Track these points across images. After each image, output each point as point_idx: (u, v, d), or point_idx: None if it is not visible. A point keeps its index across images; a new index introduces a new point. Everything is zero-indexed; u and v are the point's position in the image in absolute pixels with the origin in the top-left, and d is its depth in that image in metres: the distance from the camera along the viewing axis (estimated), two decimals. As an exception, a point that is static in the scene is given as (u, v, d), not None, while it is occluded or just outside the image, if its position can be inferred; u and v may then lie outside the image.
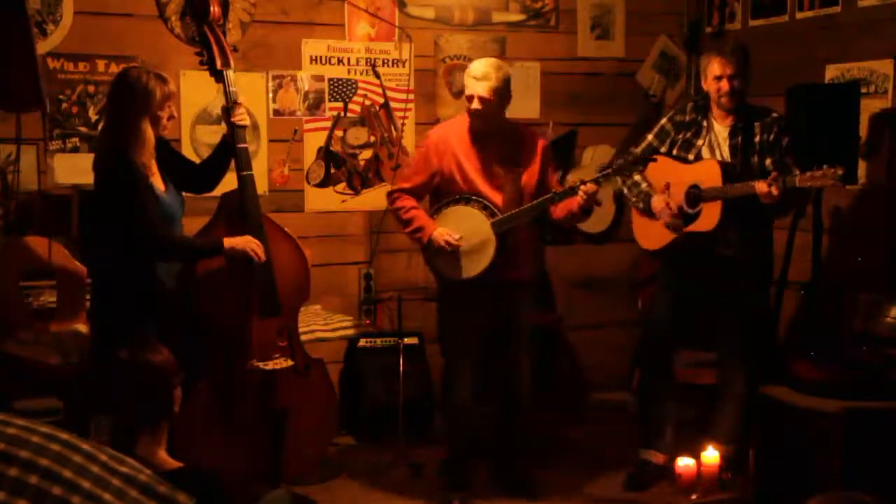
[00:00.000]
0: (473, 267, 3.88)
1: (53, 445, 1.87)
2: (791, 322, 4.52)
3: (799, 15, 4.88)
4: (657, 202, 4.03)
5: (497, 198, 3.88)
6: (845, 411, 3.41)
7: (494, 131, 3.92)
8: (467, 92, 3.87)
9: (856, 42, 4.54)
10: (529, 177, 3.95)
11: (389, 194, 4.07)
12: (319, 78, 4.97)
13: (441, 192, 3.97)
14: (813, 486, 3.43)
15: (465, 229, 3.87)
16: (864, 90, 4.35)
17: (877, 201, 4.42)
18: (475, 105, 3.85)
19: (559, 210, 3.92)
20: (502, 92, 3.87)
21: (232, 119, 3.66)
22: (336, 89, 5.00)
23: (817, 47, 4.74)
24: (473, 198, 3.88)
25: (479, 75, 3.84)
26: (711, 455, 4.01)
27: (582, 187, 3.74)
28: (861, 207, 4.50)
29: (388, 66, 5.07)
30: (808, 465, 3.52)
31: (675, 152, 4.06)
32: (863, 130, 4.31)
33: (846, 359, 3.90)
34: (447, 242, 3.85)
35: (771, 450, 3.68)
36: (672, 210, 3.96)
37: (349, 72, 5.01)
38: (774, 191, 3.62)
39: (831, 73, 4.65)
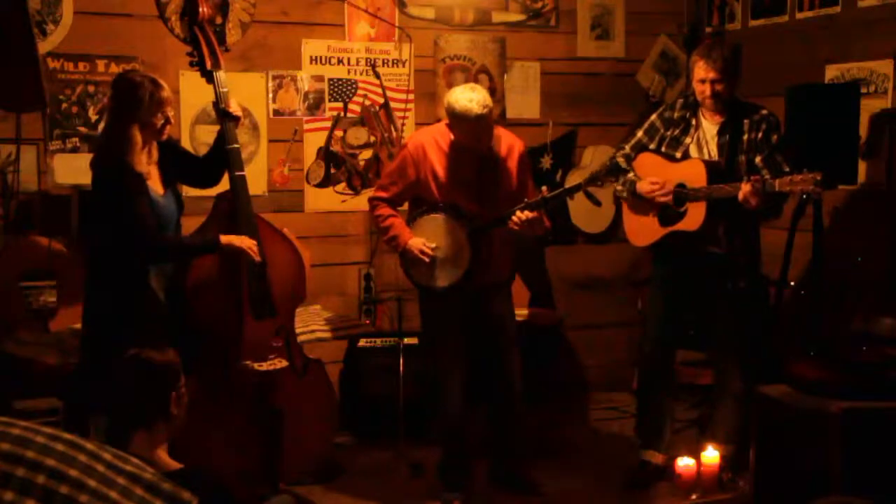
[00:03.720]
0: (448, 276, 3.89)
1: (58, 445, 1.88)
2: (791, 322, 4.52)
3: (799, 15, 4.89)
4: (644, 185, 4.02)
5: (473, 207, 3.88)
6: (845, 411, 3.40)
7: None
8: (465, 132, 3.80)
9: (856, 42, 4.54)
10: (507, 184, 3.94)
11: (369, 201, 4.08)
12: (319, 78, 4.97)
13: (419, 199, 3.98)
14: (813, 486, 3.43)
15: (440, 238, 3.88)
16: (864, 90, 4.35)
17: (877, 201, 4.42)
18: (475, 143, 3.83)
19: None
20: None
21: (224, 107, 3.66)
22: (336, 89, 5.00)
23: (817, 47, 4.74)
24: (449, 207, 3.88)
25: (477, 116, 3.75)
26: (711, 455, 4.01)
27: (517, 214, 3.74)
28: (861, 207, 4.50)
29: (388, 66, 5.07)
30: (808, 465, 3.51)
31: (663, 149, 4.07)
32: (863, 130, 4.31)
33: (846, 359, 3.90)
34: (421, 252, 3.86)
35: (771, 450, 3.68)
36: (660, 188, 3.95)
37: (349, 72, 5.01)
38: (752, 199, 3.65)
39: (831, 73, 4.65)
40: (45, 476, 1.80)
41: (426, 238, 3.89)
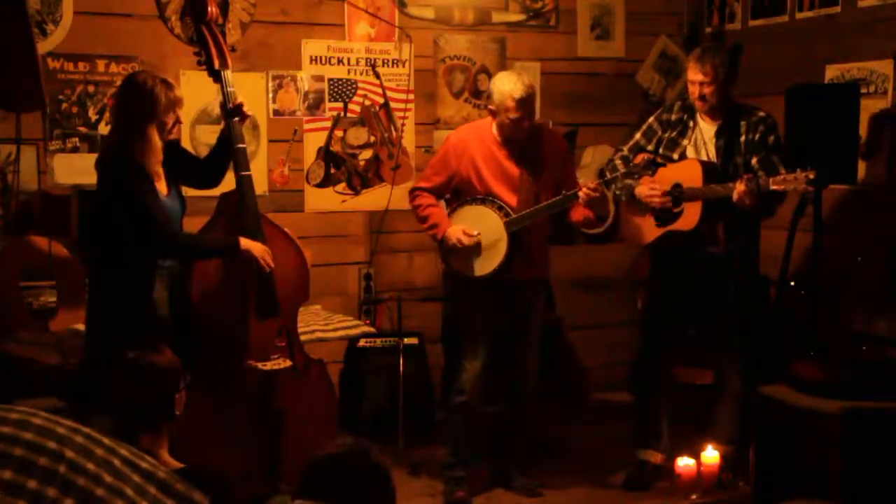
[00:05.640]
0: (486, 265, 3.94)
1: (77, 437, 1.90)
2: (791, 322, 4.52)
3: (799, 15, 4.89)
4: (642, 188, 4.05)
5: (512, 200, 3.93)
6: (845, 411, 3.41)
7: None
8: (511, 115, 3.83)
9: (856, 42, 4.54)
10: (547, 179, 3.98)
11: (411, 191, 4.16)
12: (319, 78, 4.97)
13: (460, 192, 4.03)
14: (813, 486, 3.44)
15: (479, 228, 3.93)
16: (864, 90, 4.35)
17: (877, 201, 4.42)
18: (519, 126, 3.86)
19: (577, 213, 3.96)
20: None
21: (238, 113, 3.66)
22: (336, 89, 5.00)
23: (817, 47, 4.74)
24: (489, 198, 3.93)
25: (525, 96, 3.81)
26: (711, 455, 4.02)
27: (584, 189, 3.78)
28: (861, 207, 4.50)
29: (388, 66, 5.07)
30: (808, 465, 3.52)
31: (661, 151, 4.10)
32: (863, 130, 4.31)
33: (846, 359, 3.91)
34: (459, 240, 3.90)
35: (771, 450, 3.68)
36: (659, 192, 3.99)
37: (349, 72, 5.01)
38: (747, 199, 3.68)
39: (831, 73, 4.65)
40: (65, 466, 1.82)
41: (465, 227, 3.93)
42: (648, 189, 4.03)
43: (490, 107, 3.94)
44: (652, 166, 3.87)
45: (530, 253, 3.97)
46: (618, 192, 4.20)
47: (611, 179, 3.90)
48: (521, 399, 4.15)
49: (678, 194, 3.96)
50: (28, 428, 1.87)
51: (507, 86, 3.83)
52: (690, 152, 4.03)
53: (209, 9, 3.75)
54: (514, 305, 4.05)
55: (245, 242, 3.50)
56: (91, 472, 1.86)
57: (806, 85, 4.35)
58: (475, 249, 3.94)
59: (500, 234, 3.90)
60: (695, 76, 3.94)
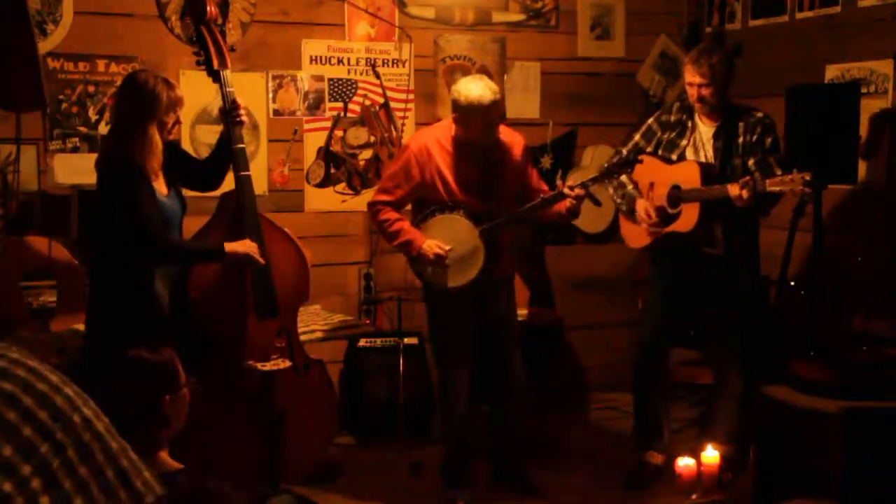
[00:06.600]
0: (463, 276, 3.86)
1: (98, 425, 1.91)
2: (791, 322, 4.52)
3: (799, 15, 4.89)
4: (639, 207, 4.06)
5: (480, 205, 3.86)
6: (845, 411, 3.40)
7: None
8: (482, 122, 3.75)
9: (856, 42, 4.54)
10: (512, 180, 3.93)
11: (371, 206, 3.96)
12: (319, 78, 4.97)
13: (423, 200, 3.92)
14: (813, 486, 3.43)
15: (453, 238, 3.84)
16: (864, 90, 4.35)
17: (877, 201, 4.42)
18: (490, 132, 3.80)
19: (548, 213, 3.91)
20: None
21: (233, 117, 3.65)
22: (336, 89, 5.00)
23: (817, 47, 4.74)
24: (458, 206, 3.85)
25: (492, 102, 3.74)
26: (711, 455, 4.01)
27: (570, 193, 3.75)
28: (861, 207, 4.50)
29: (388, 66, 5.07)
30: (808, 465, 3.51)
31: (660, 152, 4.09)
32: (863, 130, 4.31)
33: (846, 359, 3.90)
34: (436, 255, 3.82)
35: (771, 450, 3.68)
36: (651, 219, 3.99)
37: (349, 72, 5.01)
38: (745, 194, 3.68)
39: (831, 73, 4.65)
40: (73, 450, 1.83)
41: (439, 239, 3.84)
42: (643, 212, 4.04)
43: (454, 114, 3.81)
44: (630, 164, 3.86)
45: (501, 255, 3.91)
46: (619, 201, 4.19)
47: (595, 178, 3.85)
48: (514, 400, 4.12)
49: (677, 196, 3.96)
50: (60, 393, 1.89)
51: (474, 92, 3.72)
52: (690, 153, 4.03)
53: (209, 9, 3.75)
54: (487, 308, 3.99)
55: (230, 246, 3.49)
56: (97, 464, 1.87)
57: (806, 85, 4.35)
58: (452, 261, 3.84)
59: (476, 242, 3.83)
60: (692, 78, 3.93)
